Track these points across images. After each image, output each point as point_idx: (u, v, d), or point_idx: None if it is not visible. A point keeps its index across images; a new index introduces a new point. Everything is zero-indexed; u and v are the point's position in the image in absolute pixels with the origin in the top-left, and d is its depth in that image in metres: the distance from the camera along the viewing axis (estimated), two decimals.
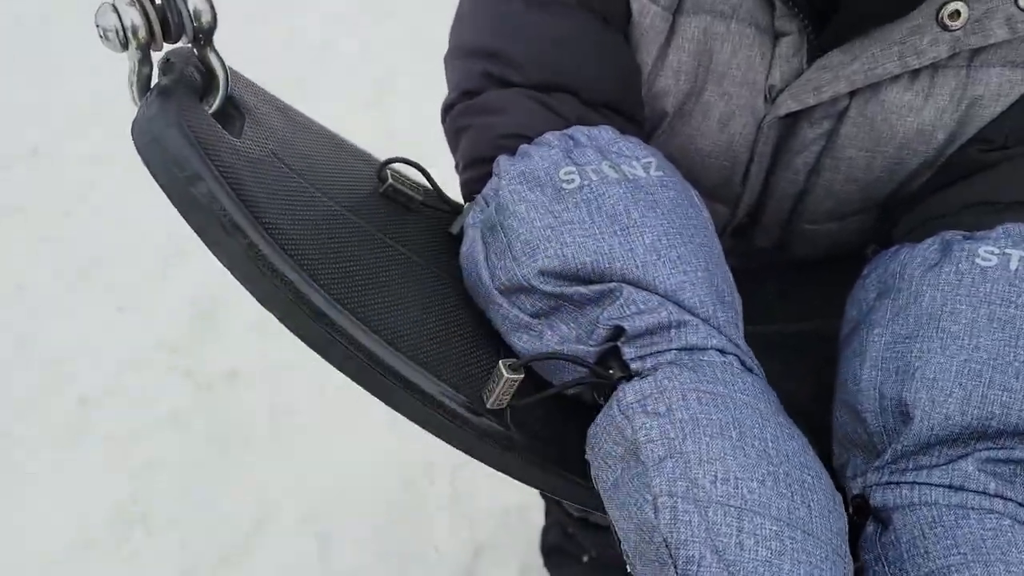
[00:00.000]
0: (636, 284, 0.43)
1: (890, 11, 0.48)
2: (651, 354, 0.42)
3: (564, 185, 0.46)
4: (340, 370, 0.42)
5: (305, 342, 0.41)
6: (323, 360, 0.42)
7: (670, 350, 0.42)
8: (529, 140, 0.50)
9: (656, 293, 0.43)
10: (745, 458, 0.37)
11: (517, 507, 1.22)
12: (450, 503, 1.23)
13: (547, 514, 1.10)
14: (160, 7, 0.41)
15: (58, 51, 2.00)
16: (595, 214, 0.44)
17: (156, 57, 0.44)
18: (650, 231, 0.44)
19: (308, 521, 1.20)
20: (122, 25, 0.40)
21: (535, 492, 1.06)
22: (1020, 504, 0.41)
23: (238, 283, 0.41)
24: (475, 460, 0.45)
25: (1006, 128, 0.51)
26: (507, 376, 0.42)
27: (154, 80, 0.43)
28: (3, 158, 1.75)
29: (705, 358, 0.42)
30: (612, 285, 0.43)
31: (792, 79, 0.53)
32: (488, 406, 0.43)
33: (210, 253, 0.40)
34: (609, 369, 0.44)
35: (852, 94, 0.52)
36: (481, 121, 0.52)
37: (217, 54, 0.45)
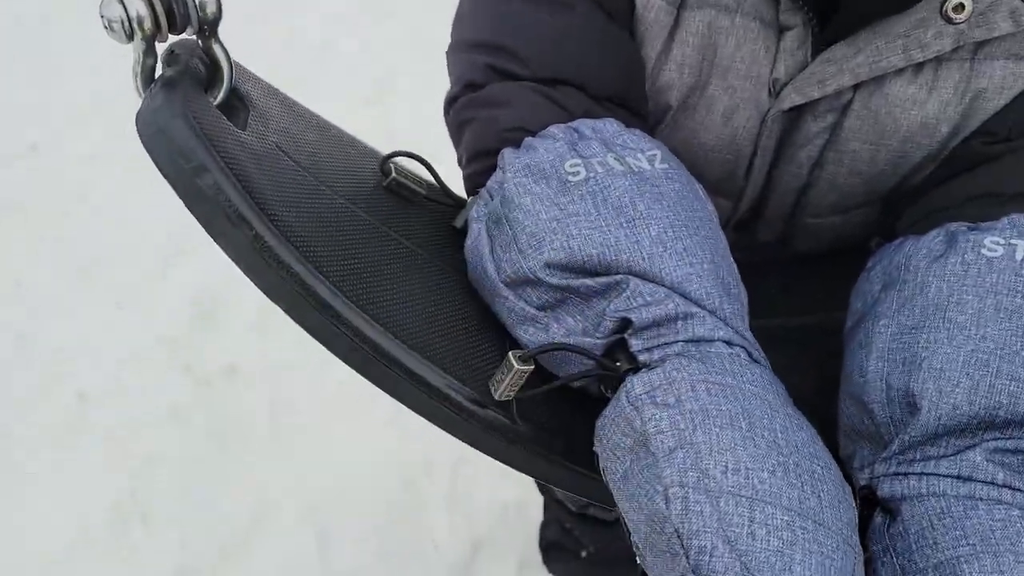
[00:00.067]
0: (642, 276, 0.43)
1: (894, 4, 0.48)
2: (658, 346, 0.42)
3: (570, 177, 0.46)
4: (345, 362, 0.41)
5: (311, 334, 0.41)
6: (326, 354, 0.42)
7: (677, 342, 0.42)
8: (533, 133, 0.50)
9: (663, 285, 0.43)
10: (755, 448, 0.37)
11: (515, 503, 1.22)
12: (449, 500, 1.23)
13: (545, 510, 1.11)
14: None
15: (58, 51, 2.00)
16: (601, 206, 0.44)
17: (160, 49, 0.44)
18: (656, 223, 0.44)
19: (307, 518, 1.20)
20: (127, 16, 0.40)
21: (533, 488, 1.07)
22: None
23: (241, 277, 0.41)
24: (475, 455, 0.45)
25: (1009, 121, 0.51)
26: (517, 367, 0.42)
27: (158, 72, 0.43)
28: (3, 157, 1.75)
29: (712, 349, 0.42)
30: (618, 277, 0.43)
31: (796, 72, 0.53)
32: (496, 398, 0.43)
33: (212, 249, 0.40)
34: (616, 361, 0.44)
35: (856, 87, 0.52)
36: (485, 114, 0.52)
37: (222, 46, 0.45)
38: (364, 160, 0.56)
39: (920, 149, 0.54)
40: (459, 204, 0.57)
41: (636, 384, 0.40)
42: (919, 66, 0.51)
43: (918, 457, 0.43)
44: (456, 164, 0.57)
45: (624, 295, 0.43)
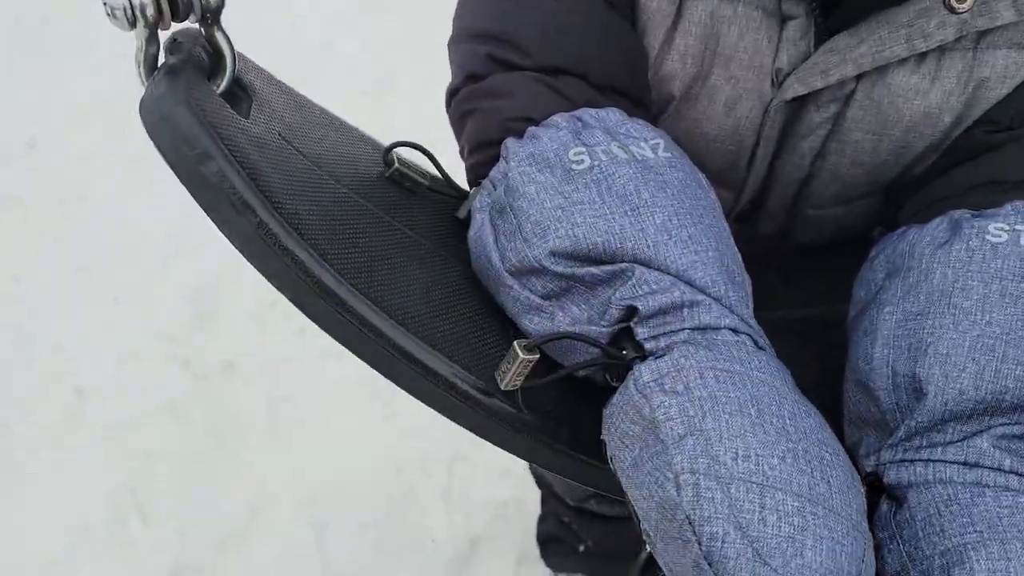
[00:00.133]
0: (647, 264, 0.43)
1: None
2: (664, 334, 0.42)
3: (574, 166, 0.46)
4: (350, 349, 0.41)
5: (315, 321, 0.41)
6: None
7: (683, 329, 0.42)
8: (536, 123, 0.50)
9: (668, 273, 0.43)
10: (765, 435, 0.37)
11: (513, 498, 1.22)
12: (447, 495, 1.24)
13: (543, 504, 1.11)
14: None
15: (58, 51, 1.99)
16: (605, 194, 0.44)
17: (163, 37, 0.44)
18: (661, 211, 0.44)
19: (306, 512, 1.20)
20: (130, 3, 0.40)
21: (531, 484, 1.07)
22: None
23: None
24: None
25: (1012, 110, 0.51)
26: (523, 356, 0.42)
27: (161, 60, 0.43)
28: (3, 156, 1.75)
29: (719, 337, 0.42)
30: (624, 265, 0.43)
31: (799, 62, 0.53)
32: (502, 388, 0.43)
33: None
34: (622, 350, 0.44)
35: (859, 77, 0.52)
36: (488, 105, 0.52)
37: (224, 34, 0.45)
38: (367, 150, 0.56)
39: (923, 139, 0.54)
40: (462, 195, 0.57)
41: (644, 372, 0.40)
42: (922, 56, 0.51)
43: (924, 444, 0.43)
44: (457, 157, 0.57)
45: (629, 283, 0.43)
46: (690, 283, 0.43)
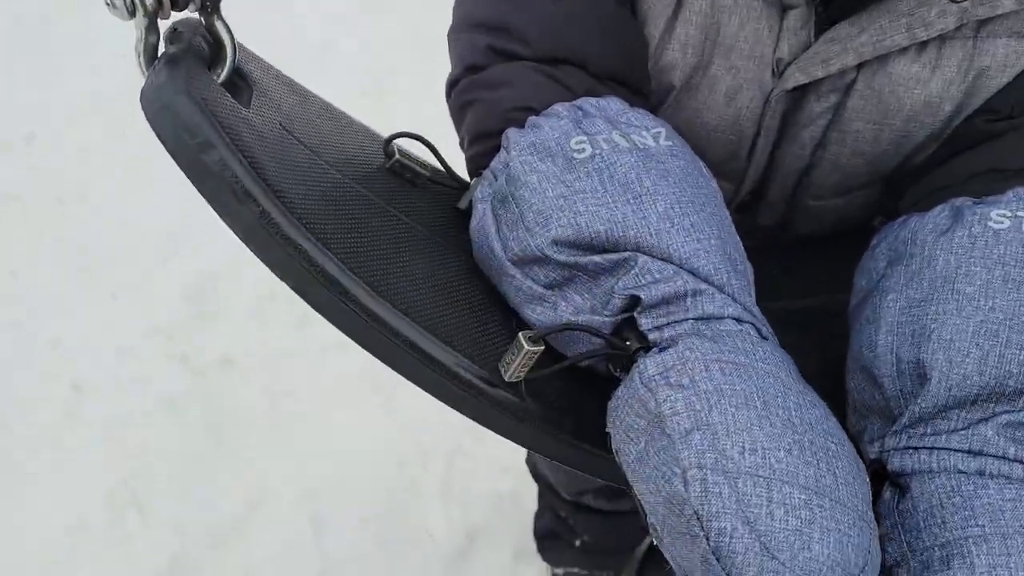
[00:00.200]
0: (650, 252, 0.43)
1: None
2: (668, 324, 0.42)
3: (575, 155, 0.45)
4: (353, 339, 0.41)
5: (318, 311, 0.41)
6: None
7: (687, 320, 0.42)
8: (536, 113, 0.49)
9: (670, 261, 0.43)
10: (771, 428, 0.36)
11: (511, 493, 1.22)
12: (445, 489, 1.24)
13: (540, 499, 1.11)
14: None
15: (58, 51, 1.99)
16: (607, 183, 0.44)
17: (163, 27, 0.44)
18: (663, 199, 0.44)
19: (304, 506, 1.20)
20: None
21: (529, 479, 1.07)
22: None
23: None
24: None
25: (1012, 98, 0.51)
26: (527, 348, 0.41)
27: (161, 50, 0.43)
28: (2, 155, 1.75)
29: (722, 327, 0.42)
30: (627, 254, 0.43)
31: (800, 52, 0.53)
32: (507, 379, 0.42)
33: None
34: (625, 340, 0.44)
35: (859, 67, 0.52)
36: (488, 95, 0.52)
37: (224, 23, 0.44)
38: (367, 141, 0.56)
39: (923, 128, 0.54)
40: (463, 186, 0.57)
41: (649, 365, 0.40)
42: (922, 45, 0.51)
43: (929, 431, 0.43)
44: (457, 152, 0.57)
45: (632, 272, 0.43)
46: (693, 272, 0.43)
